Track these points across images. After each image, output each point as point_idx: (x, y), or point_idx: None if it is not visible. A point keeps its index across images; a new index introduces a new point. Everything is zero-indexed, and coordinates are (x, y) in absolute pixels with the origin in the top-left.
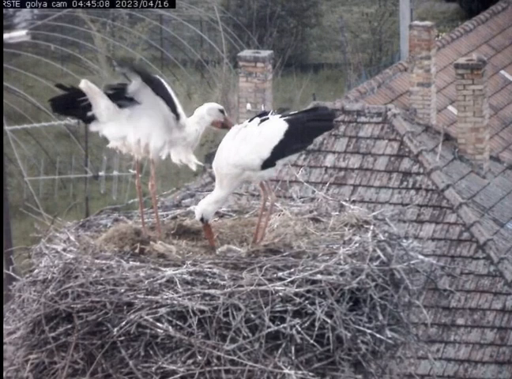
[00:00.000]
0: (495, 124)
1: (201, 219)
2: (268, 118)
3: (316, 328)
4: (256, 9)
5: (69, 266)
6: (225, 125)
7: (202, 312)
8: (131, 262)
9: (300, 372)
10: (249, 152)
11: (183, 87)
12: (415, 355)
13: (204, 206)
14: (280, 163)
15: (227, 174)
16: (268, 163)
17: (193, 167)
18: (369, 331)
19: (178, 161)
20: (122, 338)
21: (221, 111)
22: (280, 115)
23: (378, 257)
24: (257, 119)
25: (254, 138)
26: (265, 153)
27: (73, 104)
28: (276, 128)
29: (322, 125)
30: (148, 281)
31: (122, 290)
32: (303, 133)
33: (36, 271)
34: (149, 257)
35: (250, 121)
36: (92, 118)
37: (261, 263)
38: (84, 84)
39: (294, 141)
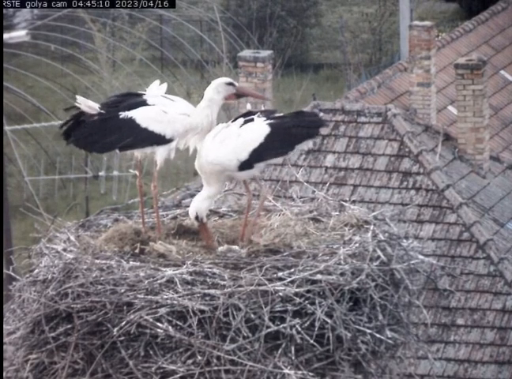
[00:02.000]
0: (495, 124)
1: (196, 218)
2: (252, 120)
3: (316, 328)
4: (256, 9)
5: (69, 266)
6: (240, 95)
7: (202, 312)
8: (131, 262)
9: (300, 372)
10: (227, 153)
11: (183, 87)
12: (415, 355)
13: (197, 203)
14: (259, 165)
15: (211, 173)
16: (245, 165)
17: None
18: (369, 331)
19: (191, 146)
20: (122, 338)
21: (229, 84)
22: (265, 118)
23: (378, 257)
24: (241, 120)
25: (233, 139)
26: (243, 155)
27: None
28: (257, 131)
29: (306, 133)
30: (148, 281)
31: (122, 290)
32: (285, 138)
33: (36, 271)
34: (149, 257)
35: (233, 120)
36: None
37: (261, 263)
38: (81, 102)
39: (274, 146)
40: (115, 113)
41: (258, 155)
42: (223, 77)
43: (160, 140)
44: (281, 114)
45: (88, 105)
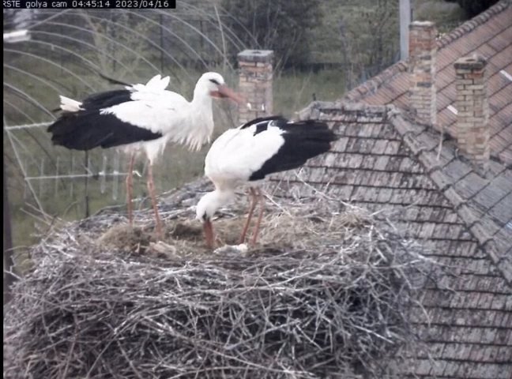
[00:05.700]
0: (495, 124)
1: (204, 216)
2: (265, 128)
3: (316, 328)
4: (256, 9)
5: (70, 266)
6: (222, 95)
7: (202, 312)
8: (131, 262)
9: (300, 372)
10: (240, 162)
11: (183, 87)
12: (415, 355)
13: (208, 203)
14: (269, 175)
15: (224, 180)
16: (257, 175)
17: None
18: (369, 331)
19: (197, 144)
20: (122, 338)
21: (213, 81)
22: (278, 127)
23: (379, 256)
24: (254, 127)
25: (247, 148)
26: (256, 165)
27: None
28: (271, 142)
29: (318, 146)
30: (148, 281)
31: (123, 290)
32: (298, 152)
33: (36, 271)
34: (149, 257)
35: (243, 127)
36: None
37: (261, 263)
38: (64, 102)
39: (287, 159)
40: (96, 110)
41: (271, 166)
42: (210, 73)
43: (146, 135)
44: (292, 123)
45: (71, 104)
